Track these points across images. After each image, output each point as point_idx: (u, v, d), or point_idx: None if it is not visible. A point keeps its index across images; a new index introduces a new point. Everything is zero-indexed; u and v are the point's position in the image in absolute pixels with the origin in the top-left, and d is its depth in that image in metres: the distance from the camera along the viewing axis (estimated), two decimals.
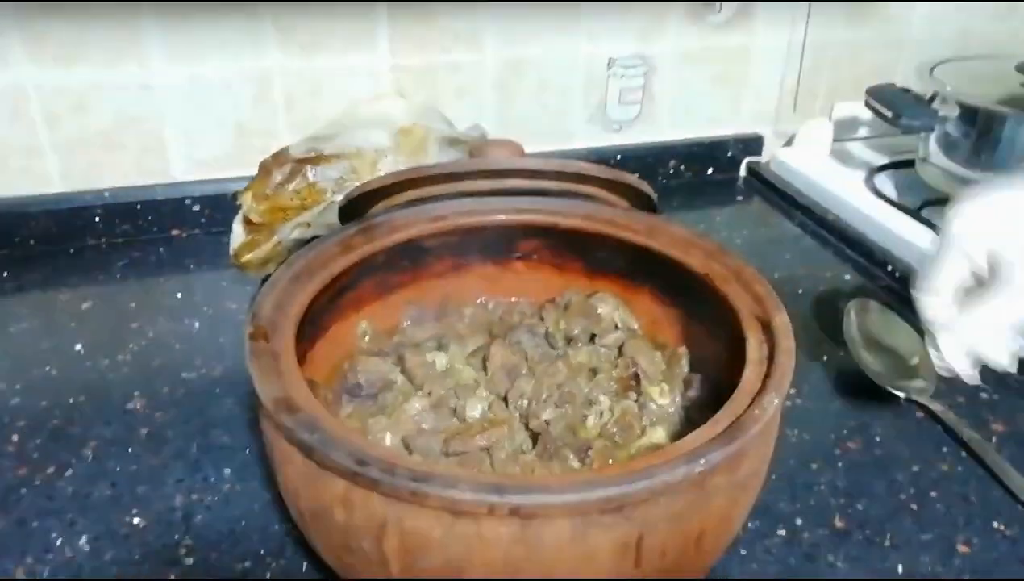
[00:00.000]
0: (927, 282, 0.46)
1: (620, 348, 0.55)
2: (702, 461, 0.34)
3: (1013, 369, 0.46)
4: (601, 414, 0.48)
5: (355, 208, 0.56)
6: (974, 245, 0.43)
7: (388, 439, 0.45)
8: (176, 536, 0.47)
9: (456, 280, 0.59)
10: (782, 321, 0.44)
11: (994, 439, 0.56)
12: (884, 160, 0.91)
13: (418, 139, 0.68)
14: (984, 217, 0.43)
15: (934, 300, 0.46)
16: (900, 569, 0.46)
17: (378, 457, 0.34)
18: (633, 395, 0.50)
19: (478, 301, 0.60)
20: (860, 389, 0.62)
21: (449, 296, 0.59)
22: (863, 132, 0.97)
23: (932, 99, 0.80)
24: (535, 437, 0.47)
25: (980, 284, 0.45)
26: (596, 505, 0.33)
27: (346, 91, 0.81)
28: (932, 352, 0.49)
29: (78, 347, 0.64)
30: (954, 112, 0.77)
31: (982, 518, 0.50)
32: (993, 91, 0.76)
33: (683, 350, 0.54)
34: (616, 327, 0.57)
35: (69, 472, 0.52)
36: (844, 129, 0.95)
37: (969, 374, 0.47)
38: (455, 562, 0.34)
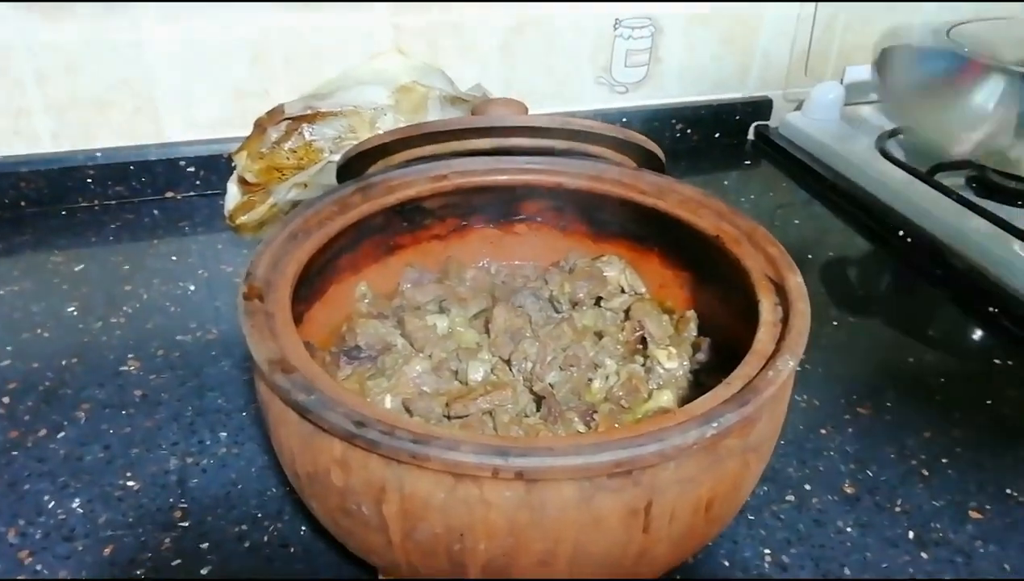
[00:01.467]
0: None
1: (627, 311, 0.53)
2: (715, 424, 0.33)
3: None
4: (607, 378, 0.47)
5: (353, 168, 0.54)
6: None
7: (388, 401, 0.44)
8: (171, 499, 0.46)
9: (458, 242, 0.57)
10: (796, 282, 0.43)
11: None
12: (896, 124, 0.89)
13: (418, 97, 0.66)
14: None
15: None
16: (911, 535, 0.45)
17: (377, 418, 0.33)
18: (640, 359, 0.49)
19: (480, 264, 0.58)
20: (870, 355, 0.61)
21: (450, 258, 0.57)
22: (875, 95, 0.94)
23: None
24: (539, 401, 0.46)
25: None
26: (604, 468, 0.32)
27: (345, 52, 0.79)
28: None
29: (70, 309, 0.62)
30: None
31: (995, 484, 0.48)
32: (1010, 53, 0.73)
33: (691, 313, 0.52)
34: (622, 290, 0.55)
35: (61, 434, 0.50)
36: (856, 92, 0.93)
37: None
38: (457, 527, 0.33)
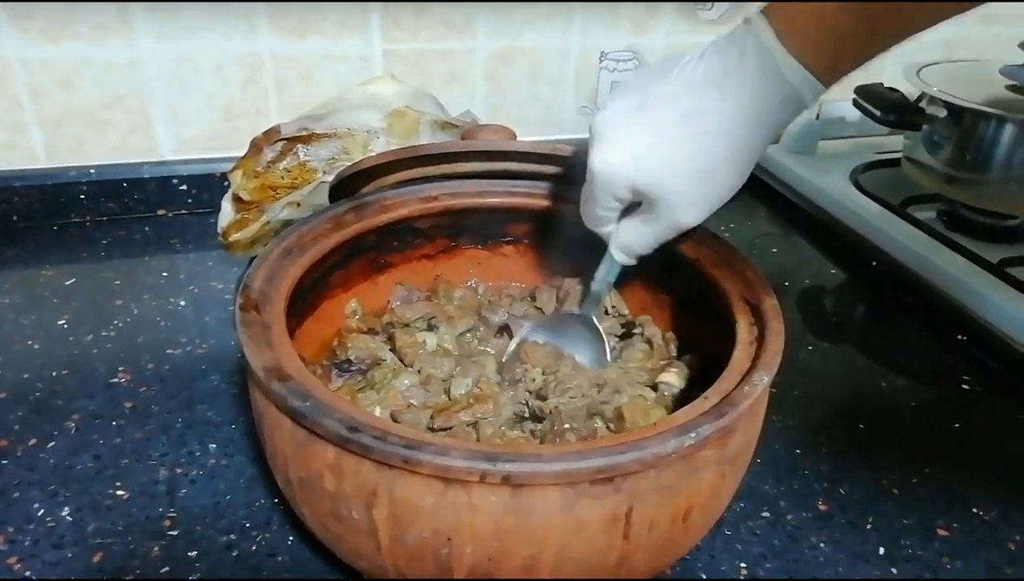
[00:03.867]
0: (585, 217, 0.47)
1: (636, 323, 0.55)
2: (693, 434, 0.35)
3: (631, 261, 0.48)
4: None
5: (346, 188, 0.56)
6: (619, 188, 0.43)
7: (377, 412, 0.45)
8: (160, 508, 0.47)
9: (447, 261, 0.59)
10: (771, 304, 0.45)
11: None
12: (870, 158, 0.92)
13: (410, 122, 0.68)
14: (627, 164, 0.42)
15: (597, 229, 0.47)
16: (881, 551, 0.47)
17: (370, 424, 0.34)
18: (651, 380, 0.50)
19: (468, 283, 0.60)
20: (844, 379, 0.63)
21: (439, 278, 0.59)
22: (851, 131, 0.98)
23: (919, 100, 0.81)
24: (536, 418, 0.47)
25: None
26: (587, 475, 0.33)
27: (338, 76, 0.81)
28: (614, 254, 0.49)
29: (61, 322, 0.63)
30: (940, 113, 0.78)
31: (962, 503, 0.50)
32: (978, 93, 0.77)
33: (671, 335, 0.54)
34: (606, 312, 0.57)
35: (52, 444, 0.51)
36: (832, 127, 0.96)
37: (626, 261, 0.48)
38: (445, 531, 0.34)
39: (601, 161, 0.43)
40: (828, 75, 0.38)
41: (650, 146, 0.41)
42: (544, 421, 0.45)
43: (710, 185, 0.42)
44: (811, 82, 0.38)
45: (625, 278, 0.57)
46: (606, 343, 0.52)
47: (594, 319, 0.53)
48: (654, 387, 0.49)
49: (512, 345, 0.52)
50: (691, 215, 0.43)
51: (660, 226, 0.44)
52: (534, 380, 0.49)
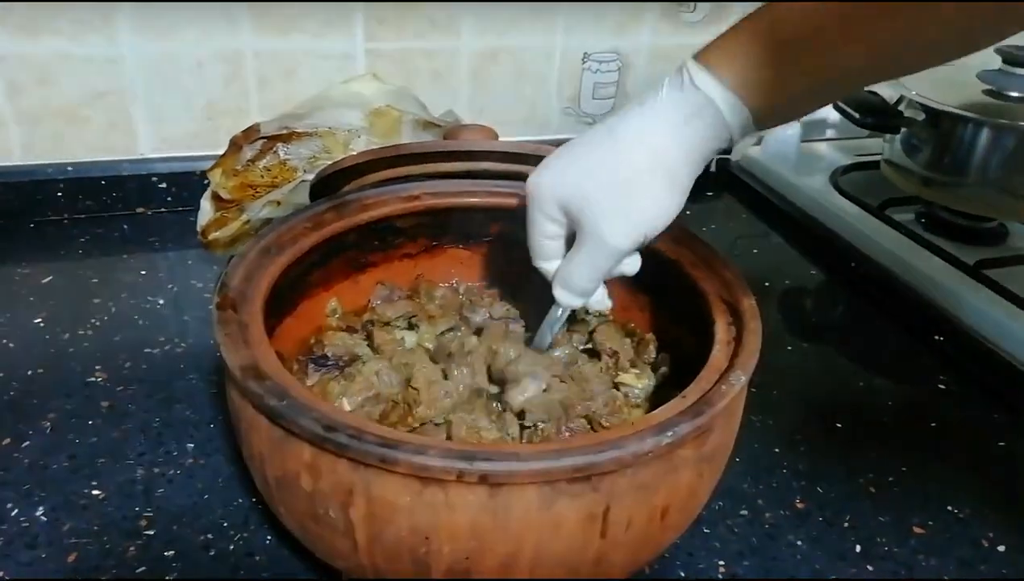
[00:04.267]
0: (530, 248, 0.47)
1: (591, 333, 0.55)
2: (670, 433, 0.35)
3: (606, 305, 0.48)
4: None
5: (327, 187, 0.56)
6: (548, 205, 0.43)
7: (345, 404, 0.45)
8: (136, 508, 0.46)
9: (428, 261, 0.59)
10: (749, 304, 0.45)
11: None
12: (850, 161, 0.93)
13: (392, 121, 0.68)
14: (555, 176, 0.43)
15: (541, 264, 0.47)
16: (858, 549, 0.47)
17: (346, 423, 0.34)
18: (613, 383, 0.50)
19: (450, 283, 0.60)
20: (822, 379, 0.64)
21: (420, 277, 0.59)
22: (831, 133, 0.99)
23: (898, 103, 0.82)
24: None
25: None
26: (564, 473, 0.33)
27: (320, 74, 0.81)
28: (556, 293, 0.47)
29: (37, 321, 0.62)
30: (919, 116, 0.79)
31: (937, 501, 0.51)
32: (956, 97, 0.78)
33: (651, 337, 0.54)
34: (587, 312, 0.57)
35: (26, 443, 0.50)
36: (812, 130, 0.97)
37: (599, 303, 0.48)
38: (422, 530, 0.34)
39: (531, 179, 0.44)
40: (745, 91, 0.39)
41: (575, 160, 0.43)
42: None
43: (631, 197, 0.41)
44: (724, 94, 0.39)
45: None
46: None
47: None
48: (615, 388, 0.49)
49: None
50: (616, 230, 0.42)
51: (590, 249, 0.43)
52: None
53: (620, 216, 0.42)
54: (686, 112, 0.40)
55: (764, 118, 0.40)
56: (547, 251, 0.46)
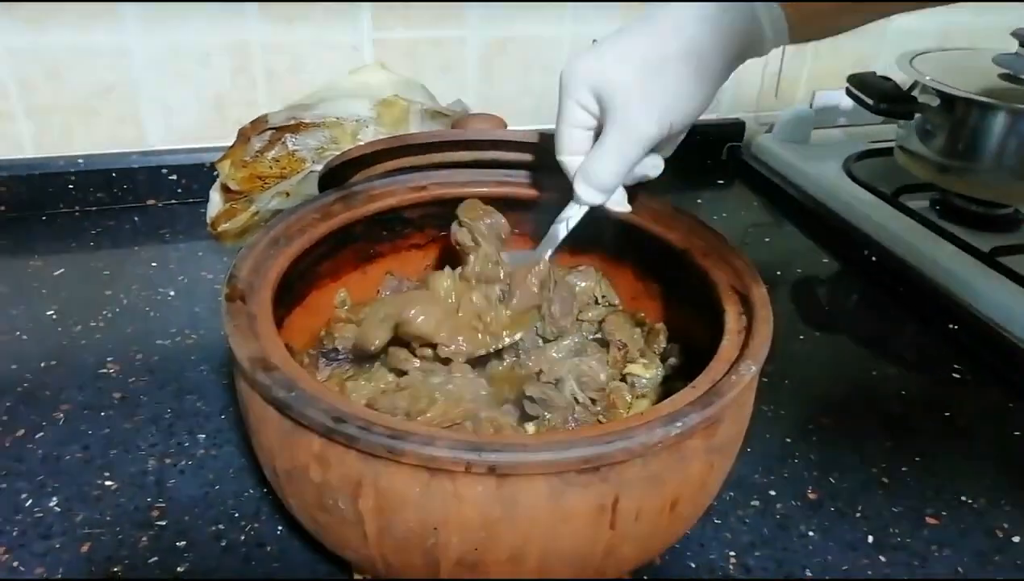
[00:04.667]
0: (556, 141, 0.46)
1: (600, 322, 0.55)
2: (679, 423, 0.35)
3: (625, 207, 0.48)
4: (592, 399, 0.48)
5: (335, 177, 0.55)
6: (581, 91, 0.43)
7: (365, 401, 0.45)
8: (148, 499, 0.46)
9: (436, 251, 0.59)
10: (760, 293, 0.44)
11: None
12: (863, 147, 0.92)
13: (400, 111, 0.68)
14: (589, 62, 0.43)
15: (565, 159, 0.46)
16: (870, 539, 0.47)
17: (355, 414, 0.34)
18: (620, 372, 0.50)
19: (458, 272, 0.59)
20: (835, 368, 0.63)
21: (429, 267, 0.59)
22: (843, 120, 0.98)
23: (912, 88, 0.81)
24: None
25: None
26: (573, 464, 0.33)
27: (328, 65, 0.80)
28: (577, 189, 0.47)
29: (50, 313, 0.63)
30: (933, 101, 0.78)
31: (951, 491, 0.50)
32: (971, 82, 0.77)
33: (661, 326, 0.54)
34: (596, 301, 0.57)
35: (40, 435, 0.51)
36: (825, 116, 0.96)
37: (603, 201, 0.47)
38: (431, 521, 0.34)
39: (564, 69, 0.44)
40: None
41: (611, 47, 0.42)
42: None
43: (663, 82, 0.41)
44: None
45: (616, 267, 0.57)
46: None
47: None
48: (623, 379, 0.49)
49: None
50: (642, 115, 0.42)
51: (617, 136, 0.43)
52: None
53: (650, 100, 0.42)
54: (722, 3, 0.40)
55: (800, 28, 0.40)
56: (574, 143, 0.46)
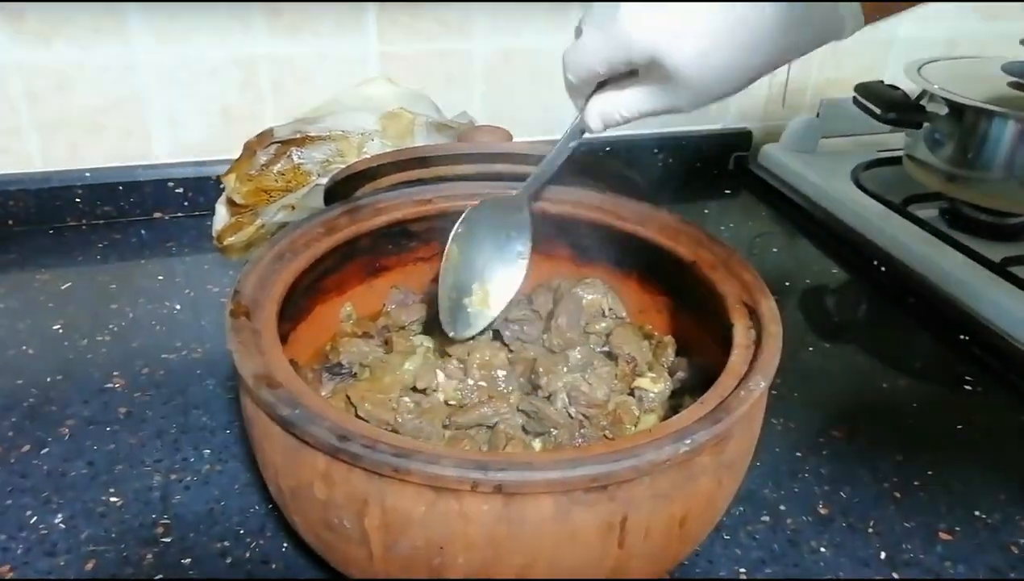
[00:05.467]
0: (577, 69, 0.43)
1: (608, 336, 0.54)
2: (688, 441, 0.34)
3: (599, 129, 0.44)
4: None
5: (341, 190, 0.55)
6: (636, 53, 0.39)
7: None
8: (153, 515, 0.46)
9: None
10: (769, 307, 0.44)
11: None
12: (871, 156, 0.91)
13: (405, 124, 0.68)
14: (660, 20, 0.38)
15: (578, 86, 0.44)
16: (883, 555, 0.46)
17: (360, 433, 0.34)
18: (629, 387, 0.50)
19: None
20: (845, 380, 0.62)
21: (435, 281, 0.58)
22: (851, 129, 0.97)
23: (920, 97, 0.80)
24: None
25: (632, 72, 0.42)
26: (581, 483, 0.33)
27: (334, 78, 0.80)
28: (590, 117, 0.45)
29: (56, 327, 0.63)
30: (941, 110, 0.77)
31: (964, 506, 0.50)
32: (979, 90, 0.76)
33: (669, 338, 0.54)
34: (604, 314, 0.56)
35: (45, 450, 0.51)
36: (833, 125, 0.96)
37: (600, 129, 0.45)
38: (437, 540, 0.34)
39: (631, 18, 0.39)
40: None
41: (683, 15, 0.38)
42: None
43: (725, 67, 0.38)
44: (859, 21, 0.37)
45: (623, 279, 0.57)
46: (530, 232, 0.51)
47: (527, 204, 0.50)
48: (631, 393, 0.48)
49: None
50: (697, 94, 0.40)
51: (660, 98, 0.41)
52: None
53: (713, 75, 0.39)
54: (815, 36, 0.37)
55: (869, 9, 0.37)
56: (591, 83, 0.43)
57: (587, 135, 0.46)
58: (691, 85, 0.39)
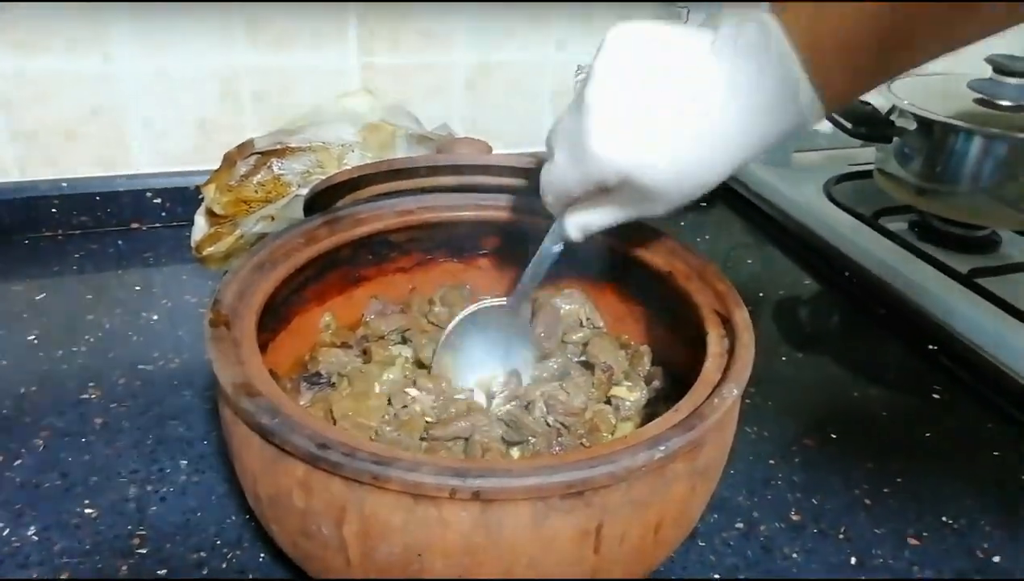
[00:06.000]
0: (552, 190, 0.44)
1: (585, 345, 0.55)
2: (662, 447, 0.35)
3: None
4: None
5: (321, 201, 0.56)
6: (611, 176, 0.39)
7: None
8: (129, 527, 0.46)
9: (422, 275, 0.59)
10: (742, 317, 0.45)
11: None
12: (843, 170, 0.93)
13: (385, 135, 0.68)
14: (623, 143, 0.38)
15: (554, 202, 0.44)
16: (853, 560, 0.47)
17: (339, 441, 0.34)
18: (605, 395, 0.50)
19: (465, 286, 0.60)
20: (817, 389, 0.64)
21: (414, 291, 0.59)
22: (823, 143, 0.99)
23: (890, 112, 0.82)
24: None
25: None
26: (557, 489, 0.33)
27: (315, 90, 0.81)
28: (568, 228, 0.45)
29: (31, 337, 0.62)
30: (911, 125, 0.79)
31: (932, 512, 0.51)
32: (947, 106, 0.78)
33: (645, 348, 0.54)
34: (581, 324, 0.57)
35: (18, 462, 0.50)
36: (805, 139, 0.98)
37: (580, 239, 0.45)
38: (415, 547, 0.34)
39: (600, 144, 0.39)
40: (832, 106, 0.37)
41: (664, 145, 0.38)
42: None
43: (696, 192, 0.39)
44: (820, 115, 0.37)
45: (600, 289, 0.58)
46: (530, 335, 0.52)
47: (524, 312, 0.51)
48: (607, 402, 0.49)
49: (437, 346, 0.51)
50: (666, 205, 0.40)
51: (632, 209, 0.41)
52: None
53: (678, 189, 0.39)
54: (780, 133, 0.37)
55: (829, 102, 0.37)
56: (569, 202, 0.44)
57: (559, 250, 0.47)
58: (665, 196, 0.40)
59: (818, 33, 0.35)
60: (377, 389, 0.47)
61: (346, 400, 0.47)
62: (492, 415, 0.47)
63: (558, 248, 0.47)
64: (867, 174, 0.89)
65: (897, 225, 0.82)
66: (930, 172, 0.78)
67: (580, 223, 0.44)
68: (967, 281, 0.71)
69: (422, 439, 0.45)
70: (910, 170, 0.80)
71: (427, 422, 0.47)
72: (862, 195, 0.87)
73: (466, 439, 0.45)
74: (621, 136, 0.38)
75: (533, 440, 0.45)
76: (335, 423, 0.45)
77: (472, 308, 0.51)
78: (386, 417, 0.46)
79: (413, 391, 0.48)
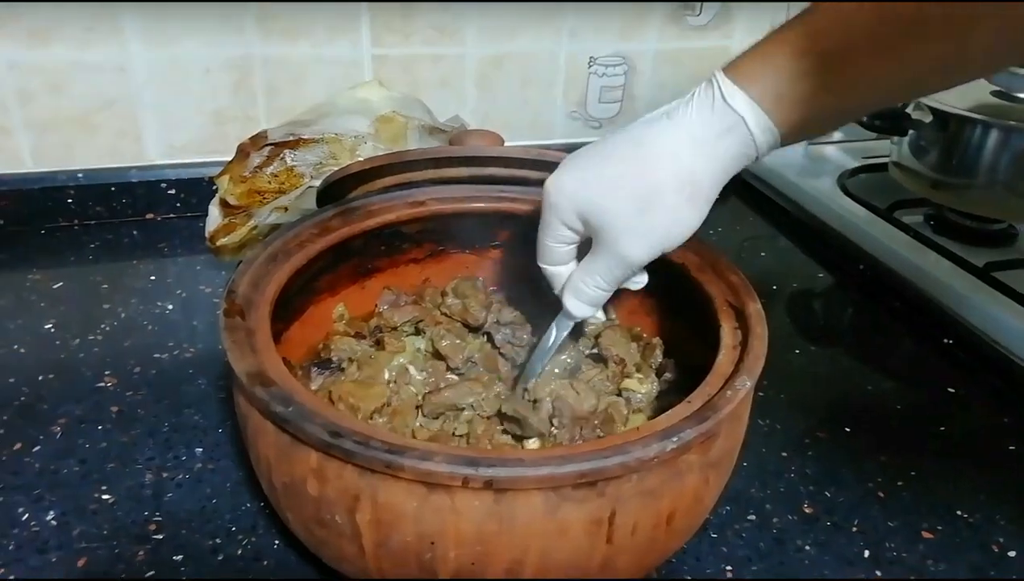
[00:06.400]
0: (539, 250, 0.46)
1: (596, 337, 0.55)
2: (675, 439, 0.35)
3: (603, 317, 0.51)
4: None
5: (333, 192, 0.56)
6: (567, 213, 0.42)
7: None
8: (145, 513, 0.46)
9: (434, 266, 0.59)
10: (755, 309, 0.45)
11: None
12: (858, 163, 0.93)
13: (398, 127, 0.68)
14: (574, 184, 0.42)
15: (548, 268, 0.46)
16: (867, 554, 0.47)
17: (352, 429, 0.34)
18: (617, 388, 0.50)
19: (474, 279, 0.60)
20: (830, 382, 0.63)
21: (427, 282, 0.59)
22: (838, 135, 0.98)
23: (905, 105, 0.81)
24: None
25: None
26: (570, 479, 0.33)
27: (327, 81, 0.81)
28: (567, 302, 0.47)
29: (48, 326, 0.63)
30: (926, 118, 0.78)
31: (946, 506, 0.51)
32: (964, 99, 0.78)
33: (657, 340, 0.54)
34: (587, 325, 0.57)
35: (37, 448, 0.51)
36: None
37: (595, 316, 0.49)
38: (428, 535, 0.34)
39: (551, 182, 0.43)
40: (776, 108, 0.39)
41: (599, 170, 0.42)
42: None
43: (654, 213, 0.41)
44: (757, 113, 0.39)
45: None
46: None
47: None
48: (618, 394, 0.49)
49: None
50: (635, 246, 0.42)
51: (607, 261, 0.43)
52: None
53: (641, 232, 0.41)
54: (717, 130, 0.39)
55: (790, 135, 0.40)
56: (556, 256, 0.46)
57: (570, 323, 0.48)
58: (623, 229, 0.41)
59: (767, 68, 0.38)
60: (386, 375, 0.48)
61: (348, 383, 0.47)
62: (489, 386, 0.47)
63: (567, 330, 0.49)
64: (882, 167, 0.88)
65: (912, 218, 0.82)
66: (946, 165, 0.78)
67: (573, 288, 0.45)
68: (983, 274, 0.70)
69: (417, 406, 0.46)
70: (926, 163, 0.80)
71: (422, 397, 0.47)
72: (877, 188, 0.86)
73: (461, 408, 0.46)
74: (572, 175, 0.42)
75: (556, 431, 0.45)
76: (333, 404, 0.45)
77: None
78: (382, 406, 0.46)
79: (412, 370, 0.48)
